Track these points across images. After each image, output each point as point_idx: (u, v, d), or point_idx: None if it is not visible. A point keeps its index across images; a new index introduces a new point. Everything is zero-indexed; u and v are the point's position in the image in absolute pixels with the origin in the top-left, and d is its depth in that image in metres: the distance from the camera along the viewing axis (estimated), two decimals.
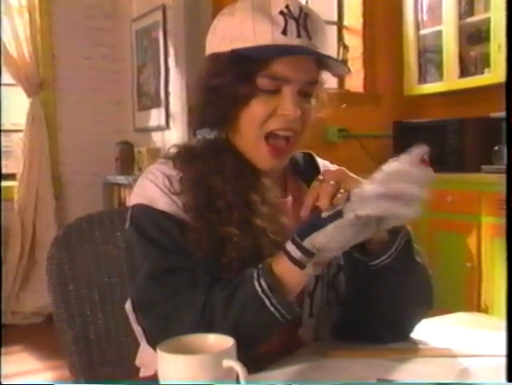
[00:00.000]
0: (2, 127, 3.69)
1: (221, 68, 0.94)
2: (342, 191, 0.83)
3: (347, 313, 1.00)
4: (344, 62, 3.92)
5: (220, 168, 0.95)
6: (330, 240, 0.80)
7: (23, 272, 3.76)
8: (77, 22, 3.94)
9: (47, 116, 3.88)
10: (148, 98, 3.84)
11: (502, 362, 0.73)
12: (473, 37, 3.49)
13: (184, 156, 0.98)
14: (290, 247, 0.83)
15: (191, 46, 3.31)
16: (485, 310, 2.91)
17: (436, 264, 2.46)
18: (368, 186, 0.78)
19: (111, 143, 3.91)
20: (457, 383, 0.81)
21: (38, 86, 3.82)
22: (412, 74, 3.78)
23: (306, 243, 0.81)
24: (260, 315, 0.83)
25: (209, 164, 0.95)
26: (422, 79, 3.76)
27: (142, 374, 1.06)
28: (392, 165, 0.80)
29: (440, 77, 3.62)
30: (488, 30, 3.29)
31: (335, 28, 4.10)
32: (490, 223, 2.93)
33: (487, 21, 3.29)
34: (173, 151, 1.00)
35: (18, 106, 3.83)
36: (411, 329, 0.99)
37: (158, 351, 0.69)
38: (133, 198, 0.97)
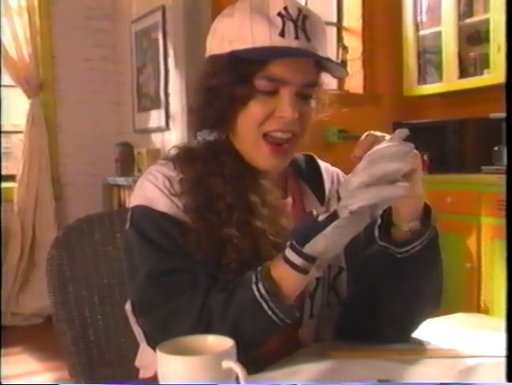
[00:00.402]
0: (2, 129, 3.69)
1: (220, 69, 0.94)
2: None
3: (350, 312, 1.00)
4: (344, 63, 3.92)
5: (220, 169, 0.95)
6: (330, 242, 0.80)
7: (23, 273, 3.76)
8: (77, 23, 3.94)
9: (47, 117, 3.88)
10: (148, 99, 3.84)
11: (502, 362, 0.73)
12: (473, 38, 3.49)
13: (184, 158, 0.98)
14: (291, 254, 0.82)
15: (190, 47, 3.31)
16: (485, 311, 2.91)
17: None
18: (352, 178, 0.78)
19: (110, 144, 3.91)
20: (457, 384, 0.81)
21: (38, 87, 3.82)
22: (411, 75, 3.79)
23: (307, 249, 0.80)
24: (258, 319, 0.83)
25: (209, 166, 0.95)
26: (422, 79, 3.77)
27: (142, 375, 1.06)
28: (371, 151, 0.79)
29: (440, 78, 3.62)
30: (487, 31, 3.29)
31: (334, 29, 4.10)
32: (490, 224, 2.93)
33: (486, 22, 3.30)
34: (173, 152, 1.00)
35: (18, 107, 3.83)
36: (415, 328, 0.99)
37: (158, 352, 0.69)
38: (133, 199, 0.97)
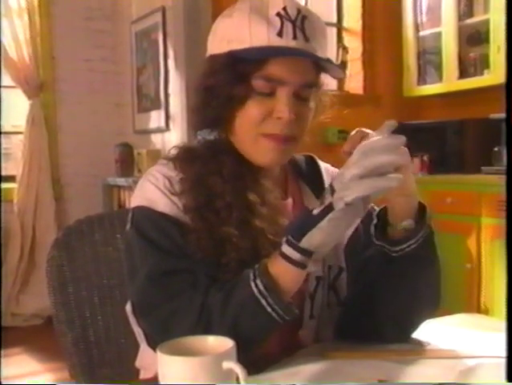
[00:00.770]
0: (2, 129, 3.69)
1: (218, 69, 0.94)
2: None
3: (349, 312, 1.00)
4: (344, 63, 3.92)
5: (219, 168, 0.95)
6: (326, 235, 0.80)
7: (23, 274, 3.76)
8: (77, 24, 3.94)
9: (47, 118, 3.88)
10: (148, 100, 3.84)
11: (502, 363, 0.73)
12: (473, 38, 3.49)
13: (184, 157, 0.98)
14: (287, 249, 0.82)
15: (191, 47, 3.31)
16: (485, 312, 2.91)
17: None
18: (346, 171, 0.78)
19: (110, 144, 3.91)
20: (457, 384, 0.81)
21: (38, 88, 3.82)
22: (411, 75, 3.79)
23: (304, 243, 0.81)
24: (257, 315, 0.83)
25: (209, 165, 0.95)
26: (421, 80, 3.77)
27: (142, 376, 1.06)
28: (362, 144, 0.80)
29: (440, 78, 3.63)
30: (487, 32, 3.29)
31: (334, 30, 4.10)
32: (490, 224, 2.93)
33: (486, 22, 3.30)
34: (174, 152, 1.00)
35: (18, 108, 3.83)
36: (414, 328, 0.99)
37: (158, 353, 0.69)
38: (134, 200, 0.97)
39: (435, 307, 0.99)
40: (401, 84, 3.84)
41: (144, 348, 1.03)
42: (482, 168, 3.15)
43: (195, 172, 0.95)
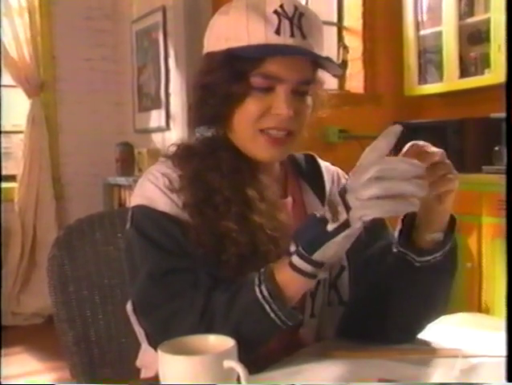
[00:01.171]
0: (3, 129, 3.69)
1: (216, 66, 0.94)
2: None
3: (355, 313, 0.99)
4: (344, 63, 3.92)
5: (217, 164, 0.95)
6: (340, 248, 0.79)
7: (24, 273, 3.76)
8: (77, 23, 3.94)
9: (48, 117, 3.88)
10: (149, 99, 3.84)
11: (503, 362, 0.73)
12: (473, 37, 3.49)
13: (183, 154, 0.98)
14: (298, 262, 0.80)
15: (191, 46, 3.31)
16: (486, 311, 2.91)
17: None
18: (362, 188, 0.74)
19: (111, 144, 3.91)
20: (457, 384, 0.81)
21: (39, 87, 3.82)
22: (412, 74, 3.78)
23: (317, 256, 0.79)
24: (260, 321, 0.83)
25: (207, 161, 0.95)
26: (422, 79, 3.77)
27: (143, 375, 1.06)
28: (381, 160, 0.75)
29: (441, 77, 3.62)
30: (488, 31, 3.29)
31: (335, 29, 4.10)
32: (491, 223, 2.93)
33: (487, 21, 3.29)
34: (172, 149, 1.00)
35: (19, 107, 3.83)
36: (421, 331, 0.99)
37: (159, 352, 0.69)
38: (134, 199, 0.97)
39: (444, 313, 1.00)
40: (402, 83, 3.84)
41: (145, 347, 1.03)
42: (483, 167, 3.15)
43: (193, 169, 0.95)
